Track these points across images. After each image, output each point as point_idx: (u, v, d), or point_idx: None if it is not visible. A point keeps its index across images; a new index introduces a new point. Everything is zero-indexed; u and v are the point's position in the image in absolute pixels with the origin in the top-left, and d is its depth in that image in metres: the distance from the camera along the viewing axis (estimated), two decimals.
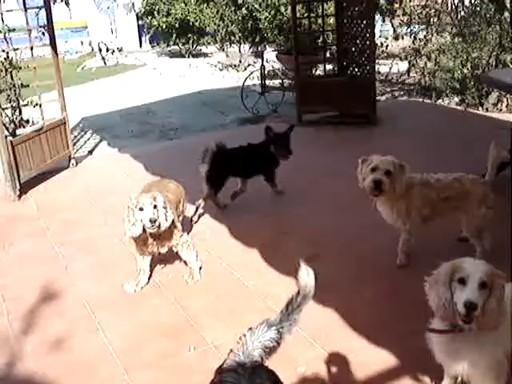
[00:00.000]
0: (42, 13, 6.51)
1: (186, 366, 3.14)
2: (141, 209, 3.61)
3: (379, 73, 10.46)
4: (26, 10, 6.42)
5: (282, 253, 4.34)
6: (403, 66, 10.81)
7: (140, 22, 19.03)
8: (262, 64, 9.58)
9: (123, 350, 3.32)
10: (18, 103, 6.39)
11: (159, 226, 3.63)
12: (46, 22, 6.43)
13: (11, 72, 6.24)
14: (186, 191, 4.56)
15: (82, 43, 18.83)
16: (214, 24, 14.79)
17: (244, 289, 3.90)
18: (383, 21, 13.78)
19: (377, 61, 8.77)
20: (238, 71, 13.62)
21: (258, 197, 5.52)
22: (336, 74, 8.69)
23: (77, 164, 6.84)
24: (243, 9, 14.16)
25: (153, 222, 3.56)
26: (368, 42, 7.62)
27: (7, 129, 6.01)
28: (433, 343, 2.50)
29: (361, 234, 4.59)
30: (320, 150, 6.82)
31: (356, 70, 8.01)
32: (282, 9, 13.13)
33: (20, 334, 3.55)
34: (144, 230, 3.66)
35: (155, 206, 3.62)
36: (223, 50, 15.62)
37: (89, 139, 8.20)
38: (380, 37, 13.53)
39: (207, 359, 3.16)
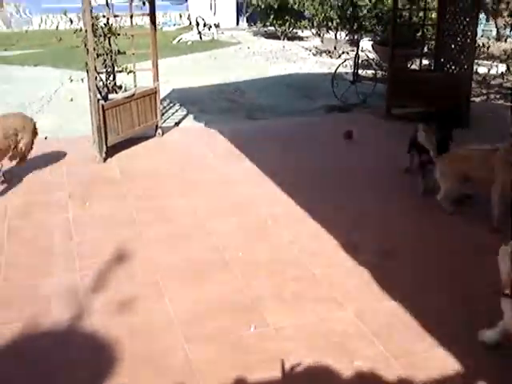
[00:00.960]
0: None
1: (243, 344, 3.16)
2: None
3: (477, 73, 10.06)
4: None
5: (352, 244, 4.27)
6: (502, 68, 10.35)
7: (239, 0, 19.13)
8: (357, 53, 9.41)
9: (185, 321, 3.37)
10: (113, 69, 6.55)
11: None
12: None
13: (109, 38, 6.39)
14: (265, 173, 4.53)
15: (180, 16, 19.17)
16: (313, 8, 14.66)
17: (311, 276, 3.87)
18: (487, 20, 13.25)
19: (475, 61, 8.44)
20: (331, 57, 13.46)
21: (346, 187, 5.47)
22: (431, 70, 8.42)
23: (163, 134, 6.98)
24: None
25: None
26: (468, 40, 7.34)
27: (100, 93, 6.18)
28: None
29: (438, 235, 4.46)
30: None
31: (453, 67, 7.73)
32: None
33: (89, 291, 3.68)
34: None
35: None
36: (319, 35, 15.46)
37: (177, 111, 8.34)
38: (482, 36, 13.02)
39: (266, 340, 3.17)
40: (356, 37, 13.56)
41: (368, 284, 3.72)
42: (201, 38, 15.92)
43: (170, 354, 3.07)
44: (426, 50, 9.37)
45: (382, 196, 5.27)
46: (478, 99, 9.36)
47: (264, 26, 17.41)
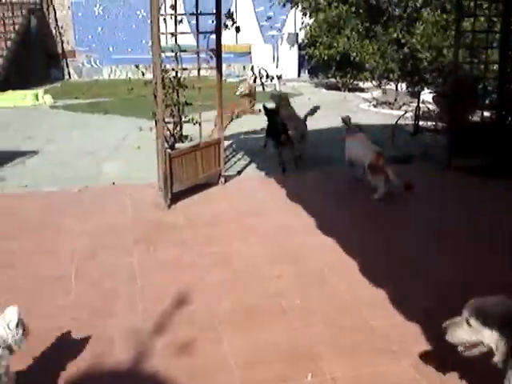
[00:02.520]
0: (212, 36, 6.93)
1: None
2: None
3: None
4: (198, 34, 6.92)
5: (409, 296, 4.27)
6: None
7: (301, 53, 19.55)
8: (418, 105, 9.47)
9: (242, 365, 3.44)
10: (180, 119, 6.83)
11: None
12: (215, 46, 6.83)
13: (178, 90, 6.69)
14: (324, 222, 4.60)
15: (244, 67, 19.72)
16: (374, 61, 14.85)
17: (368, 327, 3.89)
18: None
19: None
20: (392, 109, 13.53)
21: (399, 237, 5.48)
22: (493, 123, 8.38)
23: (225, 182, 7.18)
24: (405, 48, 14.10)
25: None
26: None
27: (167, 142, 6.44)
28: None
29: None
30: (464, 197, 6.63)
31: None
32: (445, 51, 12.89)
33: (151, 333, 3.80)
34: None
35: None
36: (380, 86, 15.60)
37: (239, 160, 8.55)
38: None
39: None
40: (417, 89, 13.64)
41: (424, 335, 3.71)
42: (263, 88, 16.28)
43: None
44: (487, 102, 9.33)
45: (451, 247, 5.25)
46: None
47: (326, 77, 17.70)
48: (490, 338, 2.60)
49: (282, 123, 7.73)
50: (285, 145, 7.69)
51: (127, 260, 4.97)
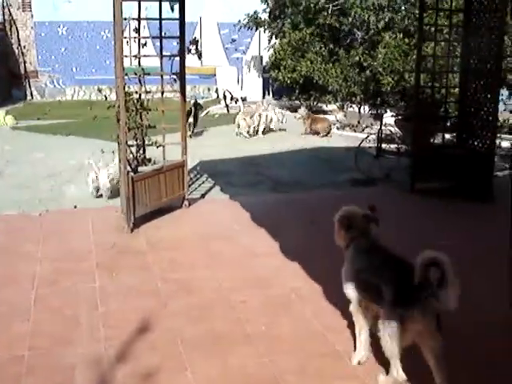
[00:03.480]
0: (176, 58, 6.91)
1: None
2: None
3: (500, 147, 10.17)
4: (161, 57, 6.90)
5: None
6: None
7: (266, 75, 19.71)
8: (380, 127, 9.59)
9: None
10: (144, 142, 6.77)
11: None
12: (178, 69, 6.81)
13: (141, 113, 6.64)
14: (290, 246, 4.60)
15: (208, 89, 19.75)
16: (337, 84, 15.03)
17: (336, 353, 3.86)
18: (510, 95, 13.43)
19: (499, 135, 8.53)
20: (355, 131, 13.69)
21: None
22: (455, 145, 8.54)
23: (189, 205, 7.11)
24: (367, 71, 14.33)
25: None
26: (491, 117, 7.48)
27: (130, 165, 6.37)
28: None
29: None
30: (427, 220, 6.70)
31: (476, 143, 7.84)
32: (406, 75, 13.14)
33: (114, 361, 3.72)
34: None
35: None
36: (343, 109, 15.79)
37: (203, 182, 8.51)
38: (505, 110, 13.18)
39: None
40: (379, 111, 13.84)
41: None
42: (228, 110, 16.31)
43: None
44: (448, 124, 9.51)
45: None
46: (501, 173, 9.40)
47: (289, 99, 17.85)
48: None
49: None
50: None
51: (89, 285, 4.87)
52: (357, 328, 3.70)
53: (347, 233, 3.76)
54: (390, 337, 3.23)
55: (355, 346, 3.76)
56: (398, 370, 3.30)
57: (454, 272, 3.04)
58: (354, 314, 3.69)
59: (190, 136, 11.19)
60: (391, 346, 3.24)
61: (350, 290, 3.64)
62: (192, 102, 12.61)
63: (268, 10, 17.22)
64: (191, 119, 12.35)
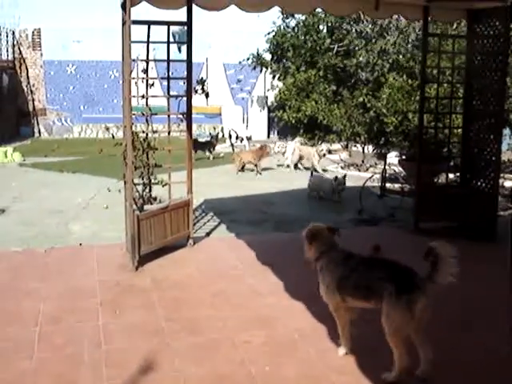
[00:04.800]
0: (183, 98, 7.02)
1: None
2: None
3: (503, 187, 10.21)
4: (168, 97, 7.03)
5: (377, 363, 4.24)
6: None
7: (271, 115, 19.95)
8: (384, 167, 9.66)
9: None
10: (150, 181, 6.84)
11: None
12: (185, 109, 6.92)
13: (147, 152, 6.72)
14: (294, 285, 4.60)
15: (214, 128, 19.96)
16: (341, 124, 15.20)
17: None
18: None
19: (502, 175, 8.56)
20: (359, 171, 13.77)
21: None
22: (458, 185, 8.58)
23: (194, 244, 7.14)
24: (371, 112, 14.49)
25: None
26: (494, 157, 7.54)
27: (136, 204, 6.42)
28: None
29: None
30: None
31: (479, 182, 7.89)
32: (410, 115, 13.28)
33: None
34: None
35: None
36: (347, 148, 15.92)
37: (208, 221, 8.54)
38: (508, 150, 13.27)
39: None
40: (383, 151, 13.94)
41: None
42: (233, 149, 16.46)
43: None
44: (452, 164, 9.57)
45: None
46: (504, 213, 9.41)
47: (293, 139, 18.03)
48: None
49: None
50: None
51: (92, 324, 4.87)
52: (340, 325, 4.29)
53: (316, 246, 4.22)
54: (395, 325, 3.77)
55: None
56: (402, 355, 3.80)
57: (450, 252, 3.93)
58: (336, 313, 4.27)
59: (209, 158, 15.12)
60: (397, 333, 3.80)
61: (331, 295, 4.23)
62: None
63: (269, 51, 17.58)
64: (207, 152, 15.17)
